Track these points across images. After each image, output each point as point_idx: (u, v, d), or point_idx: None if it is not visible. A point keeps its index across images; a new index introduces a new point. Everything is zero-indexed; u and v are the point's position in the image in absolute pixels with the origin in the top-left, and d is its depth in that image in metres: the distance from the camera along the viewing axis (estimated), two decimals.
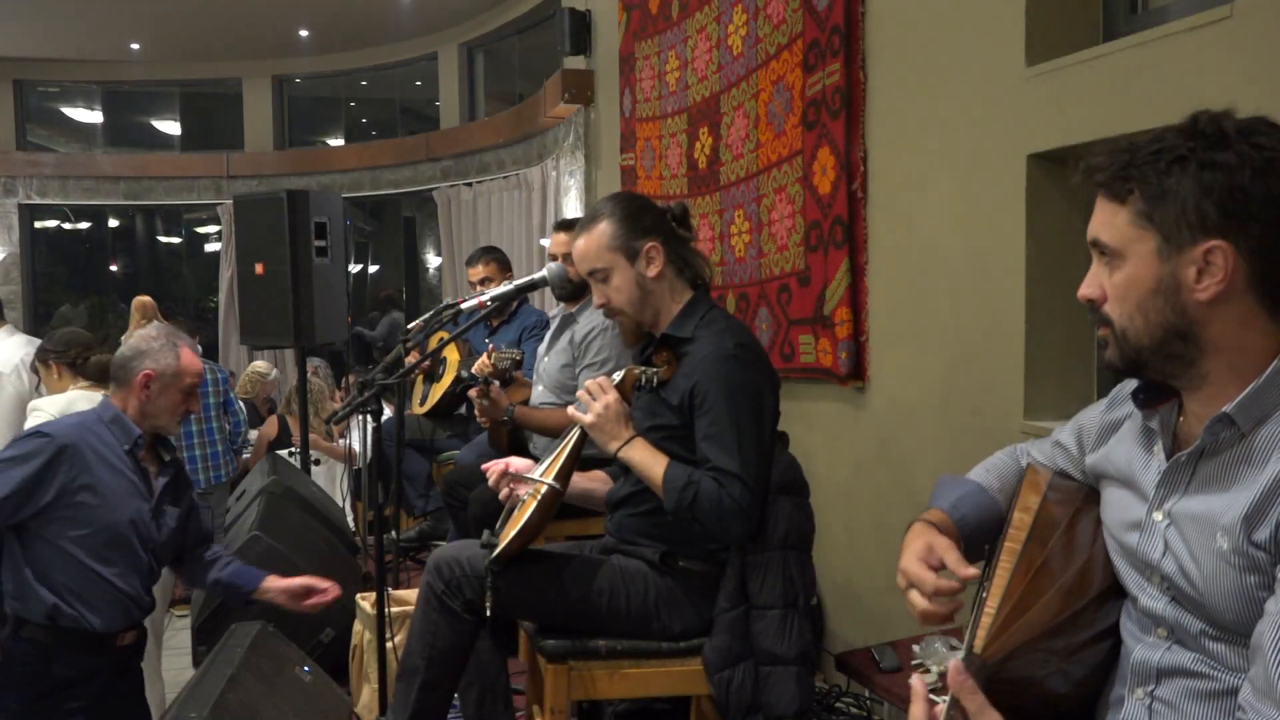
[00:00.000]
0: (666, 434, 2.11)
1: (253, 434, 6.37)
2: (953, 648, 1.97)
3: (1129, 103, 1.97)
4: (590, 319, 3.20)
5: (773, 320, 3.43)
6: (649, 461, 2.07)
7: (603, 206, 2.22)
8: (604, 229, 2.17)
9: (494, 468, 2.24)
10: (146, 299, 4.60)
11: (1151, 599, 1.17)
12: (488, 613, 2.04)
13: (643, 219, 2.18)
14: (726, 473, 2.00)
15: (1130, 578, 1.22)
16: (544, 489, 2.06)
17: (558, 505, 2.11)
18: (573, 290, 3.23)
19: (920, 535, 1.31)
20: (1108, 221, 1.16)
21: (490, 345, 3.55)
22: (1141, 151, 1.13)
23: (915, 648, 2.03)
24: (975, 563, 1.31)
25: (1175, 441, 1.20)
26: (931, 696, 1.09)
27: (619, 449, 2.09)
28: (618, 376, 2.12)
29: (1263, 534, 1.03)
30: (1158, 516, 1.17)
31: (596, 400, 2.08)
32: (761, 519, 2.05)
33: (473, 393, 3.15)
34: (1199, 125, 1.11)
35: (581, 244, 2.20)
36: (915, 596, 1.25)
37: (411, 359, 2.64)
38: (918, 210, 2.71)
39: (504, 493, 2.21)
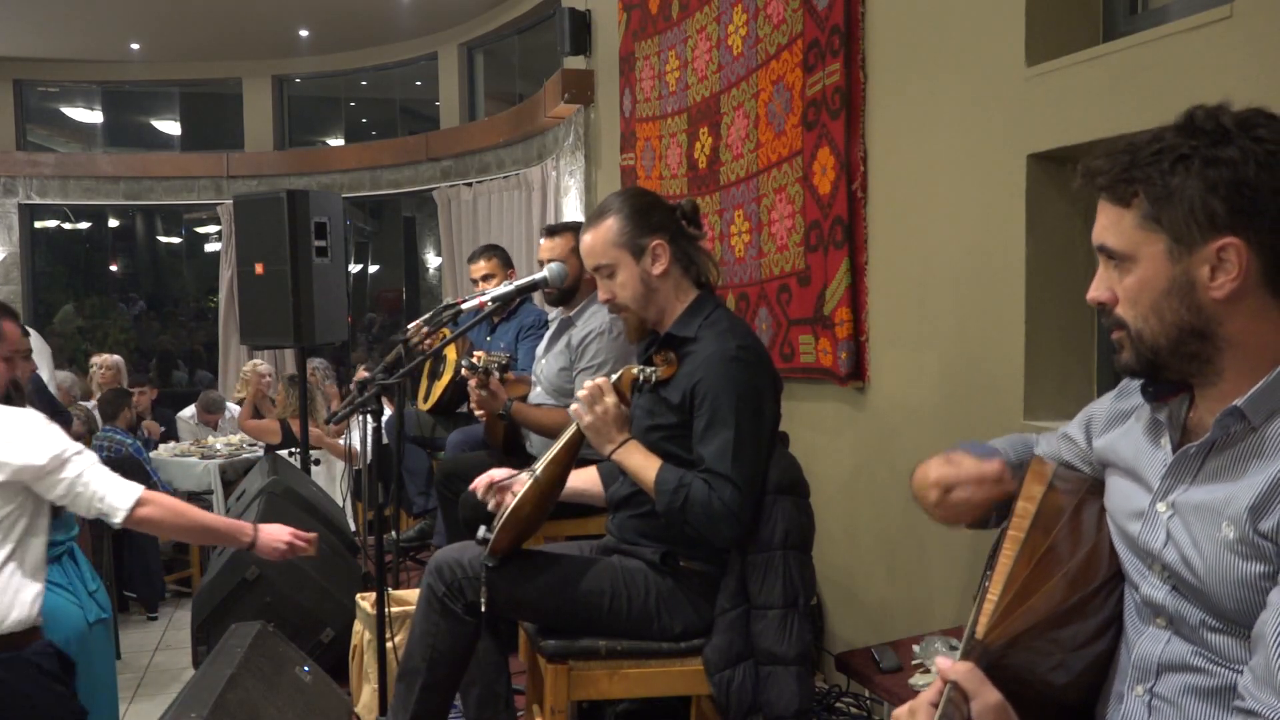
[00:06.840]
0: (666, 434, 2.11)
1: None
2: (952, 647, 1.96)
3: (1129, 103, 1.97)
4: (588, 322, 3.18)
5: (773, 320, 3.43)
6: (642, 464, 2.08)
7: (611, 202, 2.21)
8: (611, 225, 2.17)
9: (480, 483, 2.26)
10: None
11: (1152, 588, 1.18)
12: (482, 608, 2.04)
13: (651, 216, 2.18)
14: (718, 475, 2.00)
15: (1132, 565, 1.22)
16: (538, 475, 2.06)
17: (553, 497, 2.11)
18: (560, 295, 3.22)
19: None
20: (1113, 225, 1.15)
21: (478, 352, 3.54)
22: (1142, 152, 1.12)
23: (915, 648, 2.03)
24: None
25: (1184, 434, 1.20)
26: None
27: (612, 451, 2.10)
28: (616, 376, 2.12)
29: (1269, 524, 1.04)
30: (1161, 507, 1.17)
31: (595, 403, 2.09)
32: (761, 519, 2.05)
33: (471, 382, 3.15)
34: (1196, 122, 1.10)
35: (589, 239, 2.20)
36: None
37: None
38: (918, 210, 2.71)
39: (493, 503, 2.21)
